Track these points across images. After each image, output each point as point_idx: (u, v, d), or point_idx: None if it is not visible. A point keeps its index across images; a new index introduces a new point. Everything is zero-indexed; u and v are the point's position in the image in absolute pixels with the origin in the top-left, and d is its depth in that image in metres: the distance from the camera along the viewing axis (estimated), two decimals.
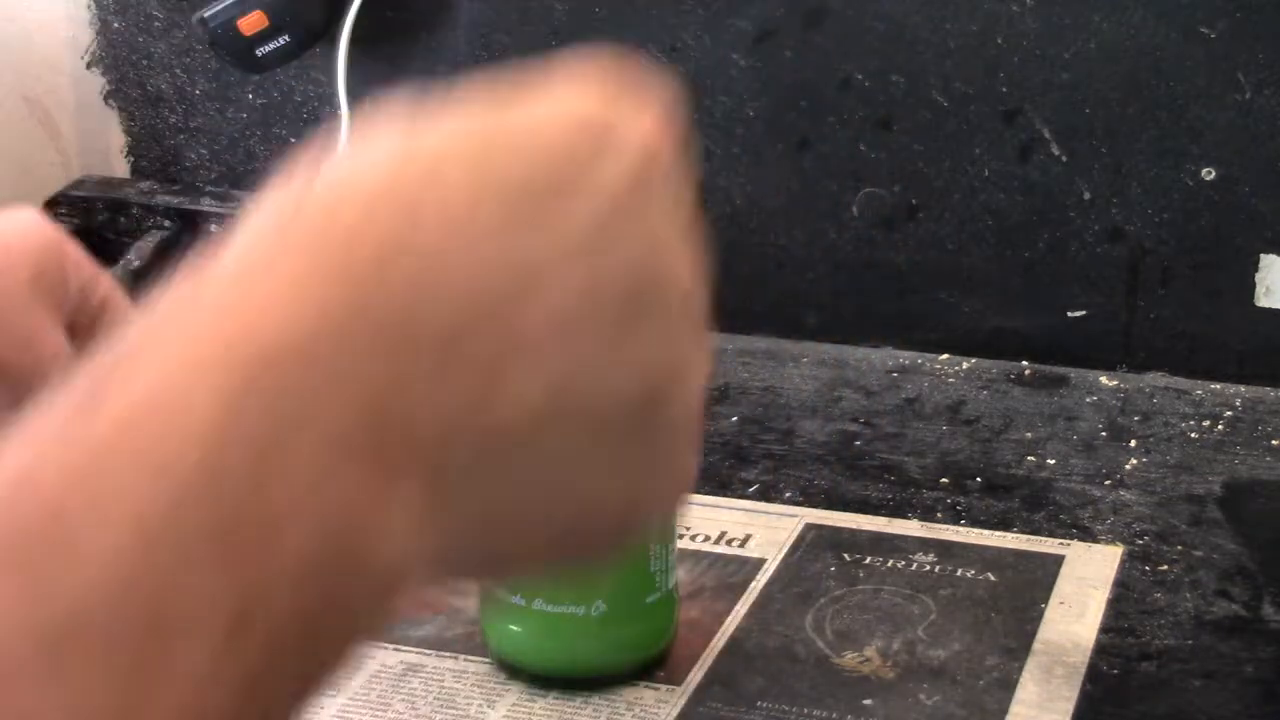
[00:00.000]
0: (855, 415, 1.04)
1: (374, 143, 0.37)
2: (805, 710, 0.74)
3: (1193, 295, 1.08)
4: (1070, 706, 0.74)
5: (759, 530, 0.89)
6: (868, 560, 0.86)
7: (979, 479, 0.95)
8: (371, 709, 0.76)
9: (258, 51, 1.16)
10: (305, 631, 0.32)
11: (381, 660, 0.78)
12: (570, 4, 1.14)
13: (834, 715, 0.74)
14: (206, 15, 1.15)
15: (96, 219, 1.24)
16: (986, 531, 0.89)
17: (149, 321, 0.34)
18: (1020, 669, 0.77)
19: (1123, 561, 0.86)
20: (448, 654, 0.79)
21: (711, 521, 0.90)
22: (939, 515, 0.91)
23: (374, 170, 0.36)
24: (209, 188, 1.26)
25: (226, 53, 1.16)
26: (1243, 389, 1.07)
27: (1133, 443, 1.00)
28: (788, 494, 0.94)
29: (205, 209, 1.22)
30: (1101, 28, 1.05)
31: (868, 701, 0.75)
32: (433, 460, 0.34)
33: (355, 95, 1.16)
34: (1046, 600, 0.82)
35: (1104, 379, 1.08)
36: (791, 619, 0.81)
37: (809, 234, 1.14)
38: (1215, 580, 0.84)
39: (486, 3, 1.17)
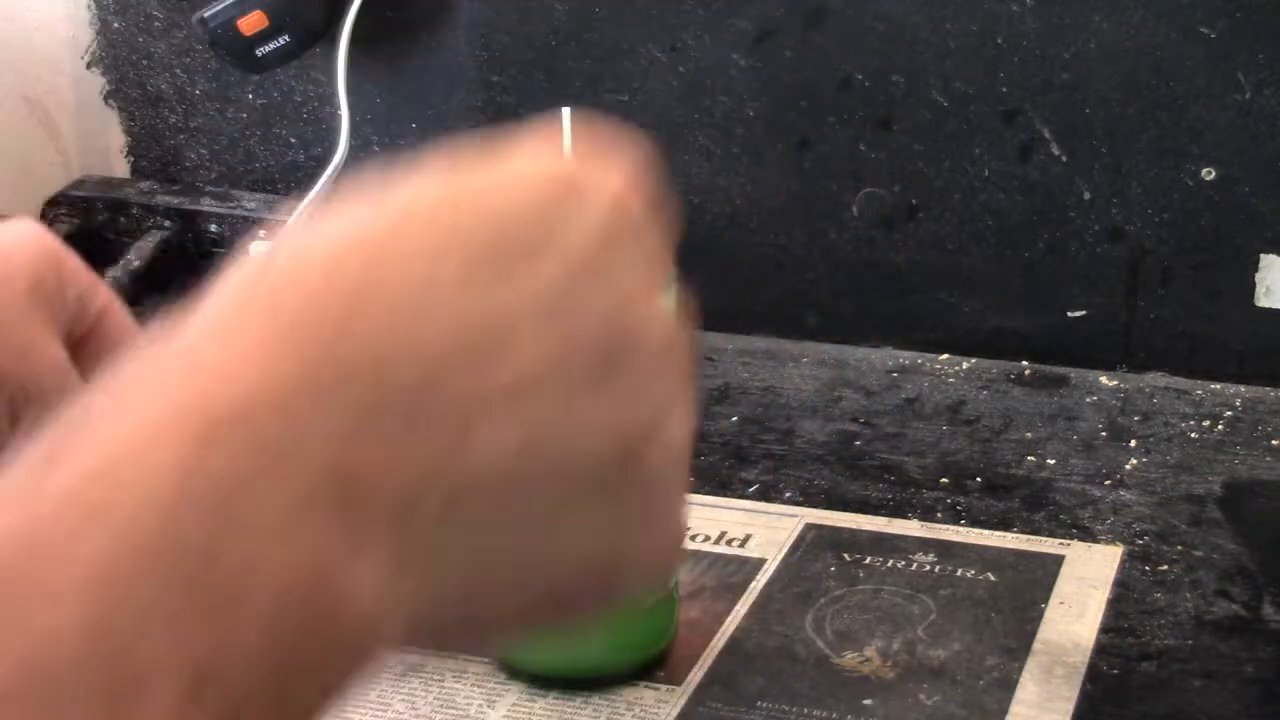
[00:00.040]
0: (855, 415, 1.04)
1: (339, 212, 0.37)
2: (805, 710, 0.74)
3: (1193, 295, 1.08)
4: (1070, 706, 0.74)
5: (759, 530, 0.89)
6: (868, 560, 0.86)
7: (979, 479, 0.95)
8: (371, 709, 0.76)
9: (258, 51, 1.16)
10: (271, 691, 0.31)
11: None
12: (570, 4, 1.14)
13: (834, 715, 0.74)
14: (206, 15, 1.15)
15: (96, 219, 1.24)
16: (986, 531, 0.89)
17: (113, 384, 0.34)
18: (1020, 669, 0.77)
19: (1123, 561, 0.86)
20: (448, 654, 0.79)
21: (711, 521, 0.90)
22: (939, 515, 0.91)
23: (337, 233, 0.36)
24: (209, 188, 1.26)
25: (226, 53, 1.16)
26: (1243, 389, 1.07)
27: (1133, 443, 1.00)
28: (788, 494, 0.94)
29: (205, 209, 1.22)
30: (1101, 28, 1.05)
31: (868, 701, 0.75)
32: (402, 515, 0.33)
33: (355, 95, 1.16)
34: (1046, 600, 0.82)
35: (1104, 379, 1.08)
36: (791, 619, 0.81)
37: (809, 234, 1.14)
38: (1215, 580, 0.84)
39: (486, 3, 1.17)
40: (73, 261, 0.63)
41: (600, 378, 0.36)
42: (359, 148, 1.21)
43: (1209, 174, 1.06)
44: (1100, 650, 0.79)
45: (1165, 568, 0.86)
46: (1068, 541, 0.88)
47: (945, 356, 1.12)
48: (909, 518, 0.91)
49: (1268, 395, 1.06)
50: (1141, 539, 0.89)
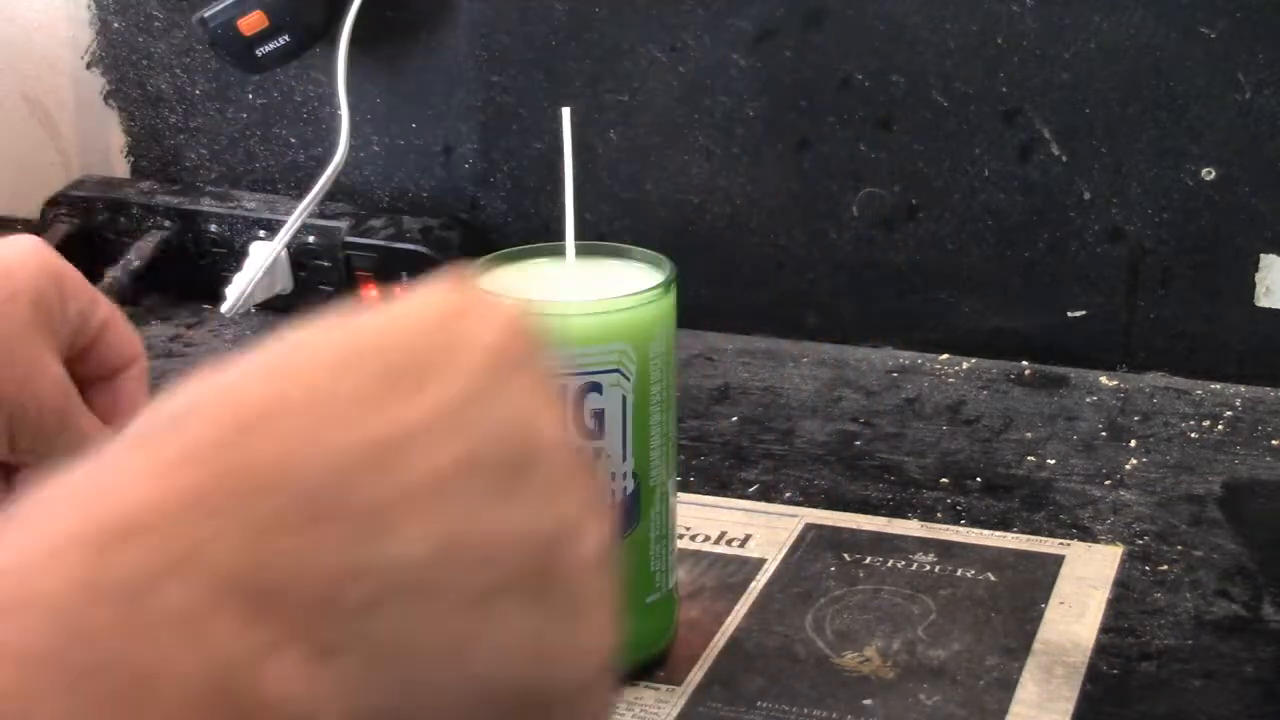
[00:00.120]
0: (855, 415, 1.04)
1: (239, 362, 0.38)
2: (805, 710, 0.74)
3: (1193, 295, 1.08)
4: (1070, 706, 0.74)
5: (759, 530, 0.89)
6: (868, 560, 0.86)
7: (979, 479, 0.95)
8: None
9: (258, 51, 1.16)
10: None
11: None
12: (570, 4, 1.14)
13: (834, 715, 0.74)
14: (206, 15, 1.15)
15: (96, 219, 1.24)
16: (986, 531, 0.89)
17: (13, 512, 0.34)
18: (1020, 669, 0.77)
19: (1123, 561, 0.86)
20: None
21: (711, 521, 0.90)
22: (939, 515, 0.91)
23: (238, 367, 0.37)
24: (209, 188, 1.26)
25: (226, 53, 1.17)
26: (1243, 389, 1.07)
27: (1133, 443, 1.00)
28: (788, 494, 0.94)
29: (205, 209, 1.22)
30: (1101, 28, 1.05)
31: (868, 701, 0.75)
32: (321, 609, 0.34)
33: (355, 95, 1.16)
34: (1046, 600, 0.82)
35: (1104, 379, 1.09)
36: (791, 619, 0.81)
37: (809, 234, 1.14)
38: (1215, 580, 0.84)
39: (486, 3, 1.17)
40: (74, 276, 0.63)
41: (508, 489, 0.37)
42: (359, 148, 1.21)
43: (1209, 174, 1.06)
44: (1100, 650, 0.79)
45: (1165, 568, 0.86)
46: (1068, 541, 0.88)
47: (945, 356, 1.12)
48: (909, 518, 0.91)
49: (1268, 395, 1.06)
50: (1141, 539, 0.89)
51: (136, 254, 1.22)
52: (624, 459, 0.73)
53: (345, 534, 0.34)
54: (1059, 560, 0.86)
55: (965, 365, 1.11)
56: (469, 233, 1.19)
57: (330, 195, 1.17)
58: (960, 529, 0.89)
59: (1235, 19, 1.03)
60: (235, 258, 1.20)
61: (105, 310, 0.65)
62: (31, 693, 0.30)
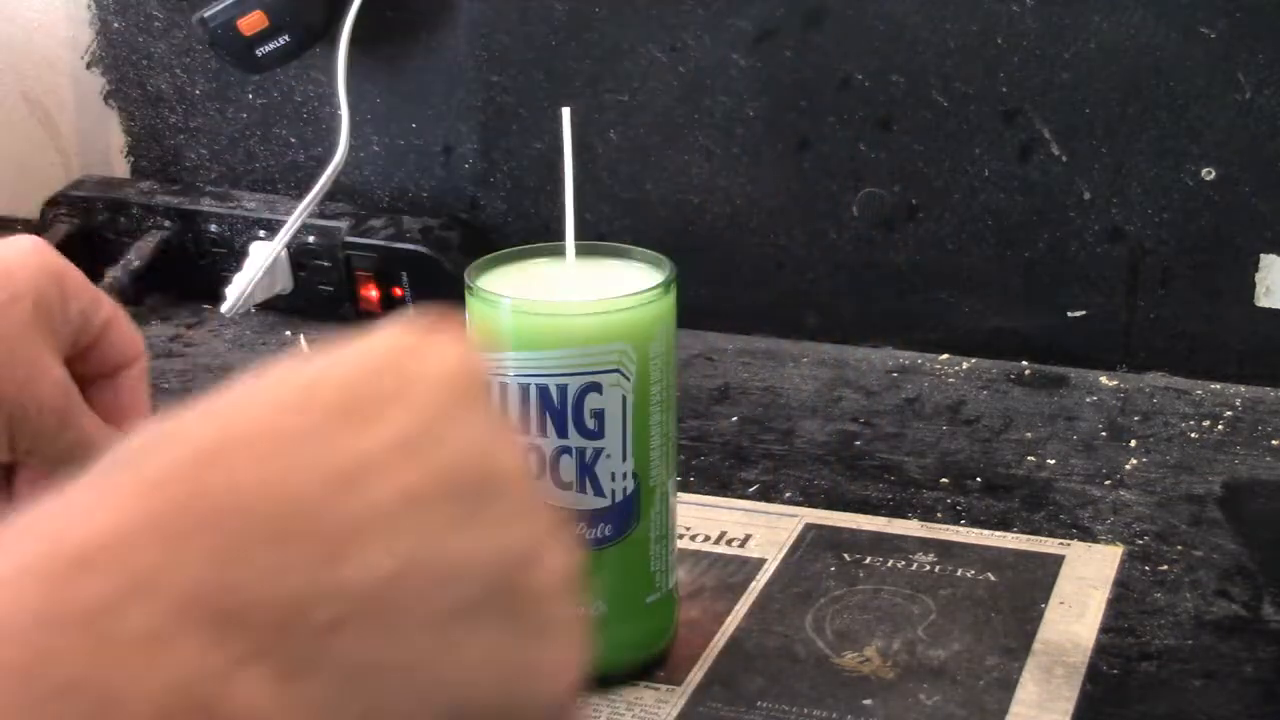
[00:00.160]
0: (855, 415, 1.04)
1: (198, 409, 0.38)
2: (805, 710, 0.74)
3: (1193, 295, 1.08)
4: (1070, 706, 0.74)
5: (759, 530, 0.89)
6: (868, 560, 0.86)
7: (979, 479, 0.95)
8: None
9: (258, 51, 1.16)
10: None
11: None
12: (570, 4, 1.14)
13: (834, 715, 0.74)
14: (206, 15, 1.15)
15: (96, 219, 1.24)
16: (986, 531, 0.89)
17: None
18: (1020, 669, 0.77)
19: (1123, 561, 0.86)
20: None
21: (711, 521, 0.90)
22: (939, 515, 0.91)
23: (198, 409, 0.38)
24: (209, 188, 1.26)
25: (226, 53, 1.16)
26: (1243, 389, 1.07)
27: (1133, 443, 1.00)
28: (788, 494, 0.94)
29: (205, 209, 1.22)
30: (1101, 28, 1.05)
31: (868, 701, 0.75)
32: (284, 629, 0.34)
33: (355, 95, 1.16)
34: (1046, 600, 0.82)
35: (1104, 379, 1.09)
36: (791, 619, 0.81)
37: (809, 234, 1.14)
38: (1215, 580, 0.84)
39: (486, 3, 1.17)
40: (75, 276, 0.63)
41: (468, 514, 0.38)
42: (359, 148, 1.21)
43: (1209, 174, 1.06)
44: (1100, 650, 0.79)
45: (1165, 568, 0.86)
46: (1068, 541, 0.88)
47: (945, 356, 1.12)
48: (909, 518, 0.91)
49: (1268, 395, 1.06)
50: (1141, 539, 0.89)
51: (136, 254, 1.22)
52: (624, 459, 0.73)
53: (308, 556, 0.35)
54: (1059, 560, 0.86)
55: (965, 365, 1.11)
56: (469, 233, 1.19)
57: (330, 195, 1.17)
58: (960, 529, 0.89)
59: (1235, 19, 1.03)
60: (235, 258, 1.20)
61: (108, 309, 0.65)
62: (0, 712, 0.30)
